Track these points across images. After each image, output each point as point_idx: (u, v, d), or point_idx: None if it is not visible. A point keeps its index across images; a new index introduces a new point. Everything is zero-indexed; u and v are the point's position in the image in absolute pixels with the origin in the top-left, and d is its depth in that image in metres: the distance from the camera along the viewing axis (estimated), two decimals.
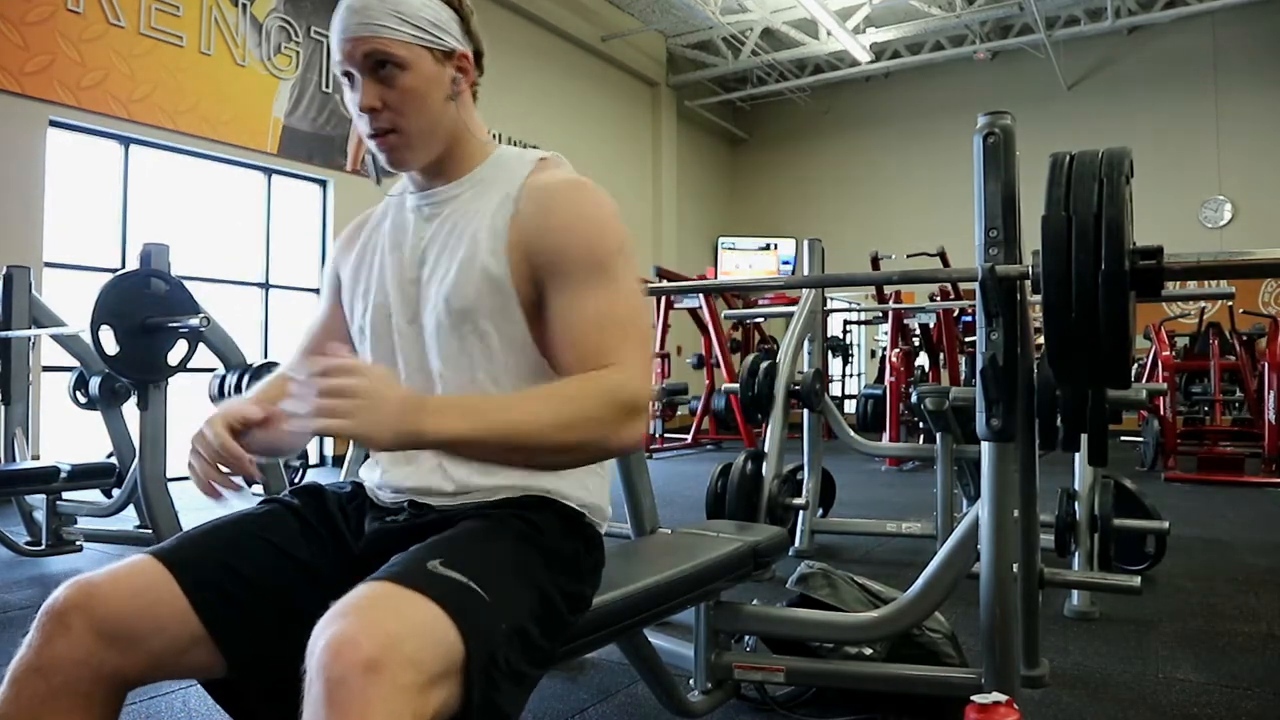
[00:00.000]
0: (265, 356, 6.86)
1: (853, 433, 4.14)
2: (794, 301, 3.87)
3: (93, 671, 0.92)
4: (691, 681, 1.76)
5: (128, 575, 0.97)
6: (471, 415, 0.93)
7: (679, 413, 9.74)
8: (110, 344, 2.82)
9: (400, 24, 1.06)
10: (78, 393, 3.76)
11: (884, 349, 8.48)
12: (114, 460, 3.56)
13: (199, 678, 1.04)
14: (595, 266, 1.06)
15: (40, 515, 3.51)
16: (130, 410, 3.27)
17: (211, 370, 3.74)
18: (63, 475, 3.26)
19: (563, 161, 1.22)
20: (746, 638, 1.97)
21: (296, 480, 5.39)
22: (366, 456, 1.24)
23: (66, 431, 5.11)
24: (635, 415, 1.00)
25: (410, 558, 0.93)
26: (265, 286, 7.33)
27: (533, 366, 1.09)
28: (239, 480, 1.03)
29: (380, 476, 1.18)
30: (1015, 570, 1.63)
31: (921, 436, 6.91)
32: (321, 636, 0.79)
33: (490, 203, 1.11)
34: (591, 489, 1.17)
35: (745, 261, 13.26)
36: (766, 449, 3.32)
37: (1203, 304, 8.41)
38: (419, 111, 1.09)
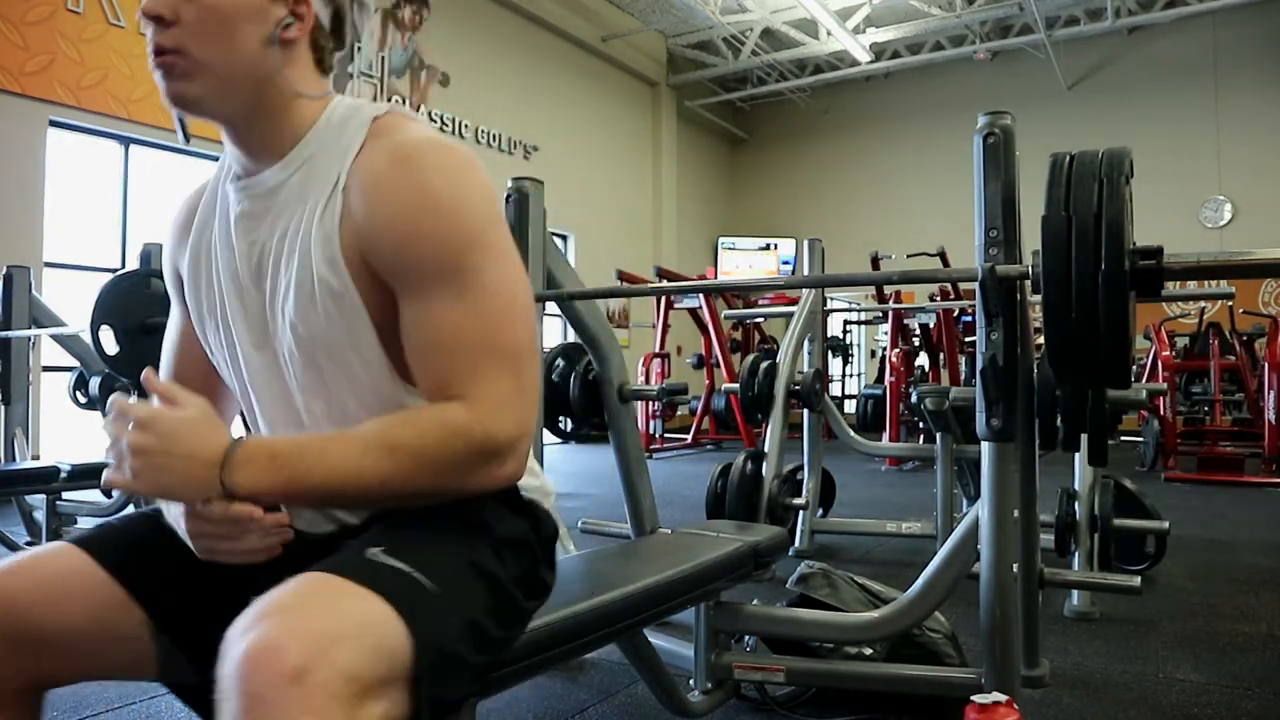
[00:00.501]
0: None
1: (853, 433, 4.14)
2: (794, 301, 3.87)
3: (3, 678, 0.84)
4: (691, 681, 1.76)
5: (40, 565, 0.88)
6: (285, 467, 0.80)
7: (679, 413, 9.74)
8: (110, 344, 2.82)
9: None
10: (78, 393, 3.76)
11: (884, 349, 8.48)
12: None
13: (133, 675, 0.95)
14: (443, 268, 0.86)
15: (40, 515, 3.51)
16: None
17: None
18: (63, 475, 3.25)
19: (405, 118, 0.94)
20: (746, 638, 1.97)
21: None
22: None
23: (66, 431, 5.11)
24: (491, 459, 0.86)
25: (349, 547, 0.83)
26: None
27: (408, 387, 0.93)
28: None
29: None
30: (1015, 570, 1.63)
31: (921, 436, 6.91)
32: (239, 642, 0.67)
33: (318, 195, 0.90)
34: (532, 473, 1.03)
35: (745, 261, 13.26)
36: (766, 449, 3.32)
37: (1203, 304, 8.41)
38: (215, 38, 0.86)
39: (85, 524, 3.49)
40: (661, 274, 8.55)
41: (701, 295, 7.95)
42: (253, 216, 0.94)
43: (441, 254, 0.86)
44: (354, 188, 0.88)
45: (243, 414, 1.06)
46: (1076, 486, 2.77)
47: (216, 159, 1.00)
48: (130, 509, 3.40)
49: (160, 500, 0.91)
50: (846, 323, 11.43)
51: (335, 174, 0.90)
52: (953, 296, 7.39)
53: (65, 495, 3.49)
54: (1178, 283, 1.56)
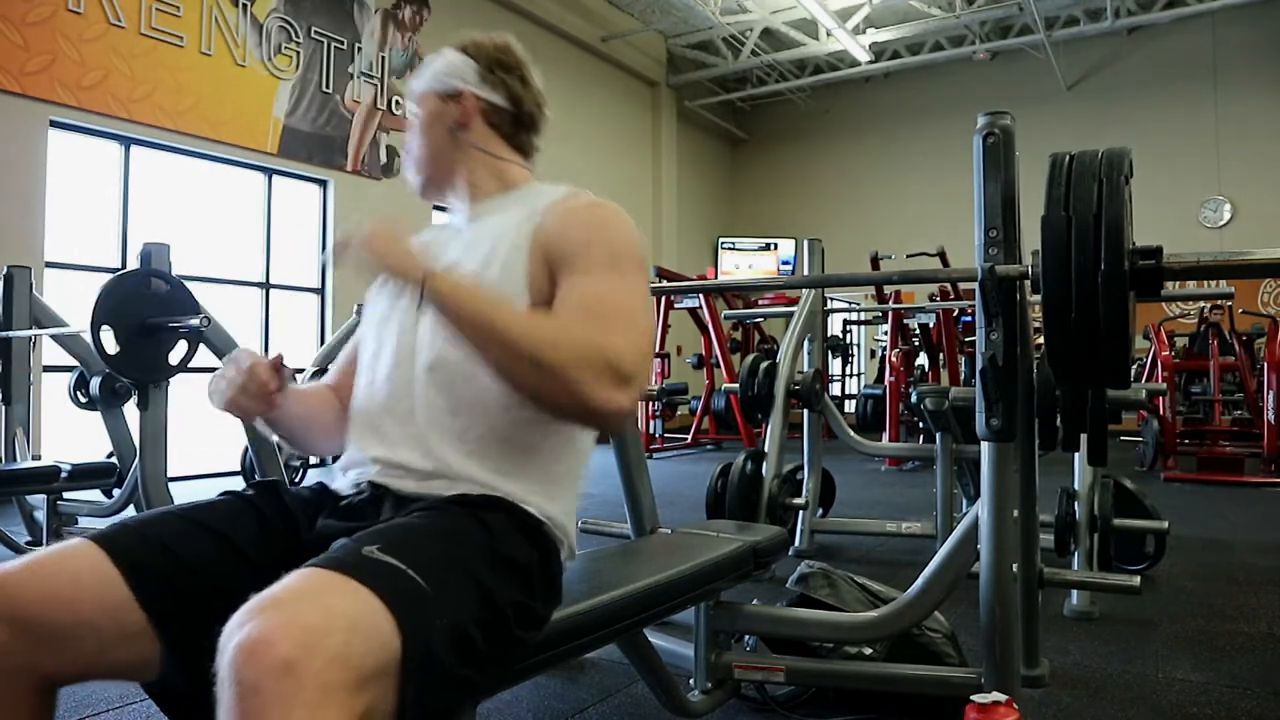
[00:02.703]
0: (265, 356, 6.85)
1: (853, 433, 4.14)
2: (794, 301, 3.87)
3: (13, 672, 0.86)
4: (691, 681, 1.76)
5: (55, 562, 0.91)
6: (467, 288, 1.01)
7: (679, 413, 9.74)
8: (110, 344, 2.82)
9: (420, 79, 1.33)
10: (78, 393, 3.76)
11: (884, 349, 8.48)
12: (114, 460, 3.56)
13: (138, 676, 0.96)
14: (600, 261, 1.11)
15: (41, 515, 3.51)
16: (130, 410, 3.27)
17: (211, 370, 3.73)
18: (63, 475, 3.25)
19: (590, 194, 1.30)
20: (746, 638, 1.97)
21: (298, 480, 5.39)
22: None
23: (66, 431, 5.11)
24: (618, 381, 0.99)
25: (345, 543, 0.88)
26: (265, 286, 7.33)
27: None
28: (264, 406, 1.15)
29: (352, 455, 1.17)
30: (1015, 570, 1.63)
31: (921, 436, 6.91)
32: (234, 635, 0.71)
33: (516, 217, 1.20)
34: (556, 501, 1.14)
35: (745, 261, 13.26)
36: (766, 449, 3.32)
37: (1202, 304, 8.41)
38: (421, 138, 1.30)
39: (86, 524, 3.49)
40: (661, 274, 8.55)
41: (701, 295, 7.95)
42: (457, 230, 1.28)
43: (604, 253, 1.12)
44: (550, 213, 1.18)
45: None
46: (1076, 486, 2.77)
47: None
48: (130, 510, 3.40)
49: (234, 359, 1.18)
50: (846, 323, 11.42)
51: (538, 207, 1.20)
52: (952, 296, 7.39)
53: (66, 495, 3.49)
54: (1178, 283, 1.56)
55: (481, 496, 1.07)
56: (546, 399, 1.01)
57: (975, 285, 1.47)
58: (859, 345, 12.54)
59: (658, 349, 8.53)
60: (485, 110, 1.32)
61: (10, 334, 3.49)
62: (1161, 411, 6.22)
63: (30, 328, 3.55)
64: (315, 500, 1.15)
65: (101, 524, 3.48)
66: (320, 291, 7.74)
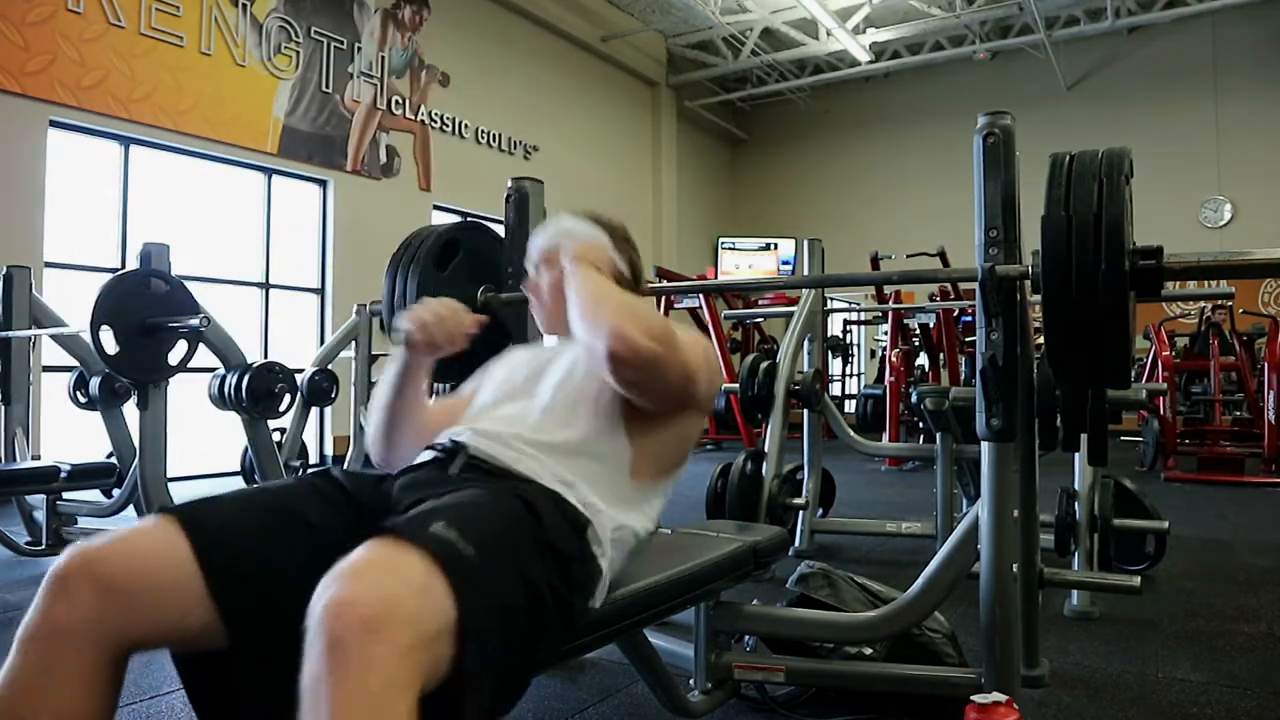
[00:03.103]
0: (265, 356, 6.86)
1: (853, 433, 4.14)
2: (794, 301, 3.87)
3: (95, 633, 0.94)
4: (691, 681, 1.76)
5: (136, 534, 1.01)
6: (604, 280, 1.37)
7: None
8: (110, 344, 2.83)
9: (561, 239, 1.50)
10: (78, 393, 3.76)
11: (884, 349, 8.48)
12: (114, 460, 3.56)
13: (199, 646, 1.03)
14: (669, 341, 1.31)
15: (40, 515, 3.51)
16: (130, 410, 3.27)
17: (212, 370, 3.73)
18: (63, 475, 3.26)
19: None
20: (746, 638, 1.97)
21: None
22: (366, 459, 1.34)
23: (66, 431, 5.11)
24: (689, 380, 1.28)
25: (413, 516, 0.99)
26: (265, 286, 7.33)
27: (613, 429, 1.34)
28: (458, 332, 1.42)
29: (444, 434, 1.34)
30: (1015, 570, 1.63)
31: (921, 436, 6.90)
32: (322, 597, 0.83)
33: None
34: (602, 506, 1.24)
35: (745, 261, 13.25)
36: (766, 449, 3.32)
37: (1202, 304, 8.41)
38: (553, 293, 1.50)
39: (85, 524, 3.50)
40: (661, 274, 8.55)
41: (701, 295, 7.95)
42: (567, 351, 1.45)
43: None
44: None
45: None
46: (1076, 486, 2.77)
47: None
48: (130, 509, 3.40)
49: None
50: (846, 323, 11.42)
51: None
52: (953, 296, 7.39)
53: (65, 495, 3.50)
54: (1178, 283, 1.56)
55: (537, 485, 1.20)
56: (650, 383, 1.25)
57: (975, 285, 1.47)
58: (859, 345, 12.53)
59: None
60: (617, 275, 1.50)
61: (10, 334, 3.49)
62: (1162, 411, 6.22)
63: (30, 328, 3.55)
64: (385, 485, 1.26)
65: (101, 524, 3.50)
66: (320, 291, 7.74)
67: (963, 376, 7.47)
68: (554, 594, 1.06)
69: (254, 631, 1.01)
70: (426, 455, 1.30)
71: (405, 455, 1.39)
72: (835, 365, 11.15)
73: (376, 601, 0.82)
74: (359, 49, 7.94)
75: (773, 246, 13.20)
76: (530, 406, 1.36)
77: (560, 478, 1.23)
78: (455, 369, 1.92)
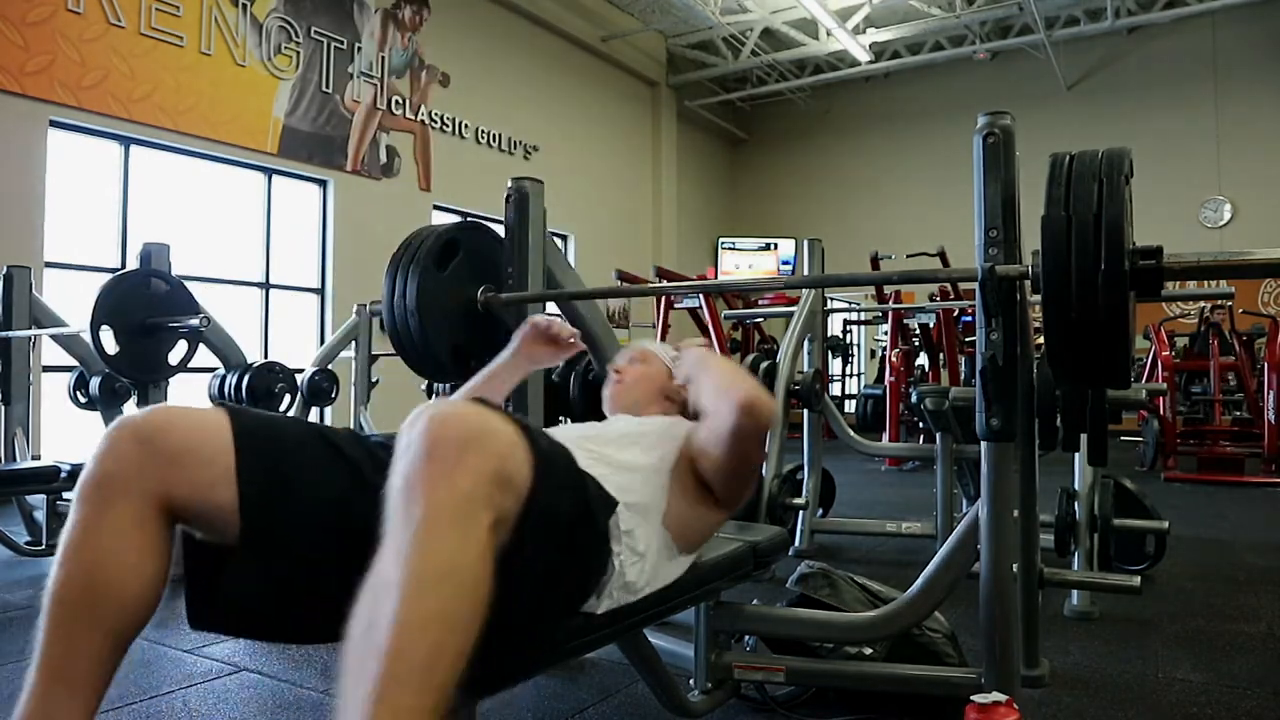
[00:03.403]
0: (265, 356, 6.86)
1: (853, 433, 4.14)
2: (794, 301, 3.87)
3: (137, 482, 1.03)
4: (691, 681, 1.76)
5: (184, 408, 1.11)
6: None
7: None
8: (110, 344, 2.83)
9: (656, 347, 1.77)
10: (78, 393, 3.77)
11: (884, 349, 8.48)
12: None
13: (214, 531, 1.08)
14: None
15: (40, 515, 3.51)
16: (131, 410, 3.27)
17: (212, 370, 3.74)
18: (63, 475, 3.25)
19: None
20: (746, 638, 1.97)
21: None
22: None
23: (66, 431, 5.11)
24: (765, 407, 1.38)
25: None
26: (265, 286, 7.33)
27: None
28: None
29: None
30: (1015, 570, 1.63)
31: (921, 436, 6.90)
32: (426, 411, 0.95)
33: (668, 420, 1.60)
34: (633, 500, 1.29)
35: (745, 261, 13.25)
36: (766, 449, 3.32)
37: (1202, 304, 8.41)
38: (642, 384, 1.71)
39: None
40: (661, 274, 8.54)
41: (701, 295, 7.94)
42: (619, 419, 1.62)
43: None
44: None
45: None
46: (1076, 486, 2.77)
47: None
48: None
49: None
50: (846, 323, 11.42)
51: (681, 431, 1.53)
52: (953, 296, 7.38)
53: (65, 495, 3.49)
54: (1178, 283, 1.56)
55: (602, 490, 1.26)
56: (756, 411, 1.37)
57: (975, 285, 1.47)
58: (859, 345, 12.53)
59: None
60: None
61: (10, 334, 3.50)
62: (1161, 411, 6.21)
63: (30, 328, 3.55)
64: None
65: None
66: (320, 292, 7.74)
67: (963, 376, 7.46)
68: (581, 547, 1.16)
69: (263, 523, 1.06)
70: None
71: None
72: (835, 365, 11.15)
73: (476, 426, 0.93)
74: (359, 49, 7.94)
75: (773, 246, 13.20)
76: (601, 434, 1.48)
77: (603, 469, 1.31)
78: (459, 369, 1.93)
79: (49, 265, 5.72)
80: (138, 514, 1.02)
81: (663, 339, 8.60)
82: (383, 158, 8.14)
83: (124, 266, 6.00)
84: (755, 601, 1.88)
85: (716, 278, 11.71)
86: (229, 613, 1.09)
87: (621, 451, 1.39)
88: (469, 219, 4.92)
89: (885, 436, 6.73)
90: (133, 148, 6.34)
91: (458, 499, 0.89)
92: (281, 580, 1.07)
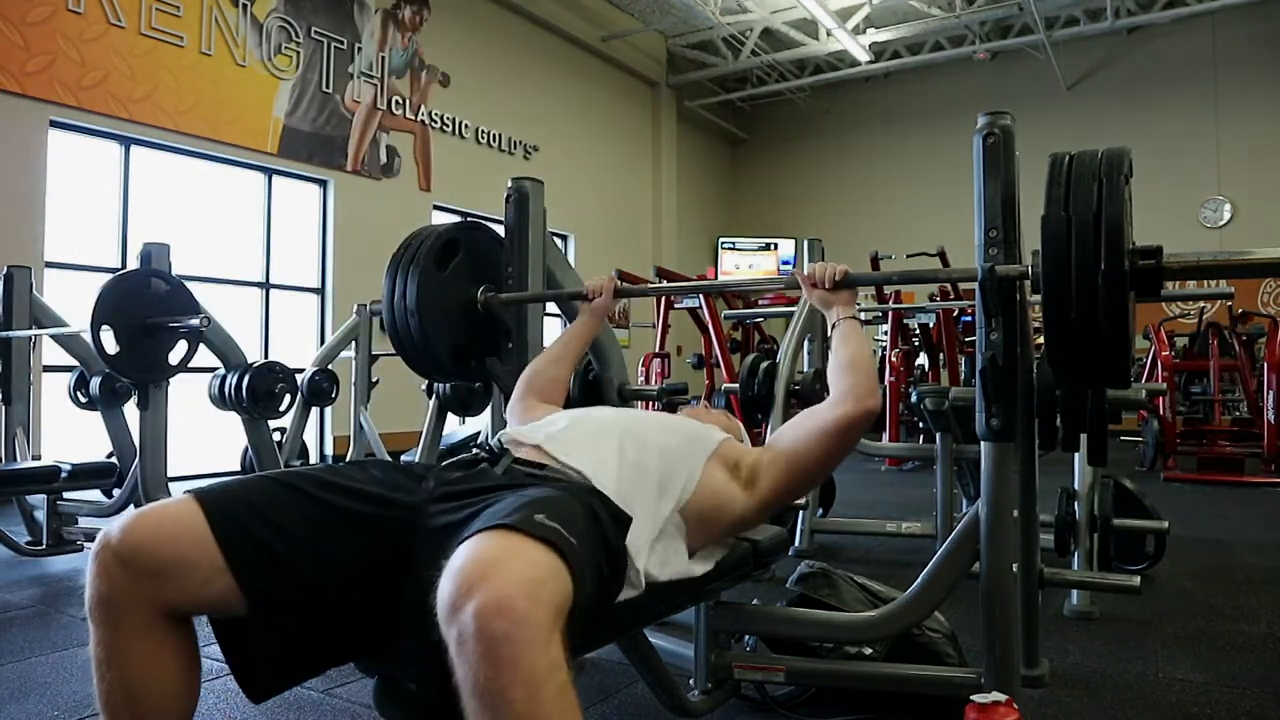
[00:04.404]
0: (265, 356, 6.86)
1: None
2: (794, 301, 3.87)
3: (135, 600, 1.05)
4: (691, 681, 1.76)
5: (156, 510, 1.10)
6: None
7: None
8: (110, 344, 2.83)
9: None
10: (78, 393, 3.76)
11: (884, 349, 8.48)
12: (114, 460, 3.56)
13: (229, 611, 1.10)
14: None
15: (41, 515, 3.51)
16: (131, 410, 3.27)
17: (212, 370, 3.74)
18: (63, 475, 3.26)
19: None
20: (746, 637, 1.97)
21: None
22: (398, 456, 1.37)
23: (66, 431, 5.11)
24: (870, 400, 1.49)
25: (515, 510, 1.05)
26: (265, 286, 7.33)
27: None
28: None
29: (504, 431, 1.48)
30: (1015, 570, 1.63)
31: (921, 436, 6.91)
32: (471, 595, 0.89)
33: None
34: (649, 536, 1.30)
35: (745, 261, 13.25)
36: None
37: (1202, 304, 8.41)
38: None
39: (86, 524, 3.50)
40: (661, 274, 8.53)
41: (701, 295, 7.93)
42: None
43: None
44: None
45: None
46: (1076, 486, 2.77)
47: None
48: (131, 507, 3.40)
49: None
50: None
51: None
52: (953, 296, 7.38)
53: (66, 495, 3.50)
54: (1178, 283, 1.56)
55: (597, 491, 1.27)
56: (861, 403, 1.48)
57: (975, 285, 1.48)
58: None
59: (657, 349, 8.53)
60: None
61: (10, 334, 3.50)
62: (1161, 411, 6.21)
63: (30, 328, 3.55)
64: (419, 468, 1.34)
65: (101, 524, 3.50)
66: (320, 291, 7.74)
67: (963, 376, 7.46)
68: (606, 583, 1.17)
69: (271, 604, 1.08)
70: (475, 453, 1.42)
71: (542, 389, 1.83)
72: None
73: (528, 594, 0.90)
74: (359, 49, 7.94)
75: (773, 247, 13.20)
76: (645, 415, 1.57)
77: (618, 494, 1.30)
78: (459, 369, 1.94)
79: (49, 265, 5.72)
80: (145, 625, 1.06)
81: (663, 339, 8.60)
82: (383, 158, 8.14)
83: (124, 266, 6.00)
84: (755, 601, 1.88)
85: (716, 278, 11.70)
86: (276, 675, 1.13)
87: (659, 433, 1.45)
88: (469, 219, 4.92)
89: (885, 436, 6.73)
90: (133, 148, 6.34)
91: (545, 687, 0.89)
92: (308, 631, 1.11)
